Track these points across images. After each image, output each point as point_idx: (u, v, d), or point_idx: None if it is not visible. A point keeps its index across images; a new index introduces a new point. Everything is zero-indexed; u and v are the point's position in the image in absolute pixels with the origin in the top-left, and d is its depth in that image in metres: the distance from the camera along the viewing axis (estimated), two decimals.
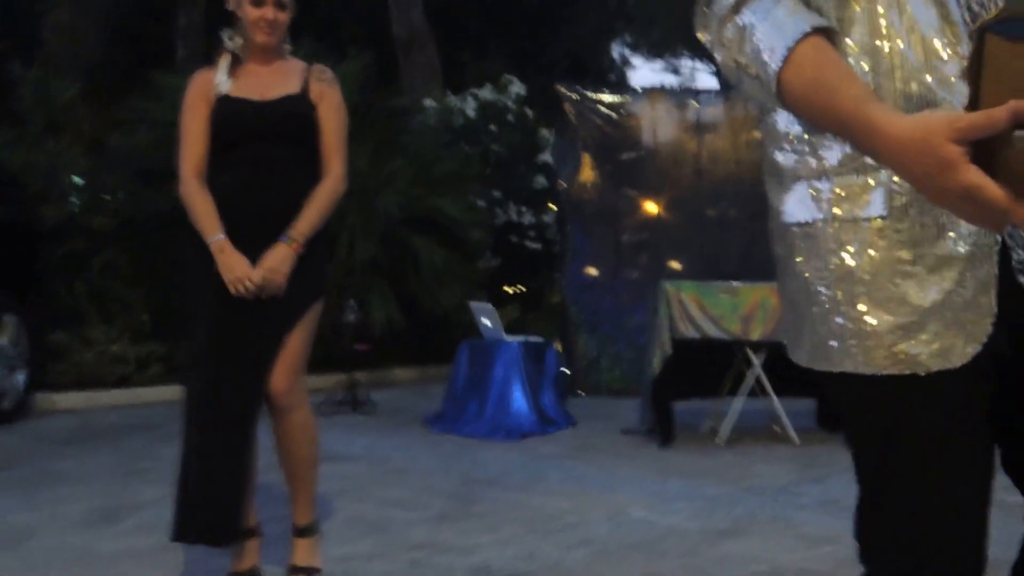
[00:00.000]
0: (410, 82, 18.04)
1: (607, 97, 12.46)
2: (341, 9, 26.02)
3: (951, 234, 1.85)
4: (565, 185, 12.15)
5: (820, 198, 1.92)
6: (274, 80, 4.58)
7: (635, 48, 34.43)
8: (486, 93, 16.23)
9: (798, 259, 1.98)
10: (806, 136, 1.95)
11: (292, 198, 4.47)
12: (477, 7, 27.49)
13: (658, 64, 34.05)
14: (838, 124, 1.74)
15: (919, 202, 1.84)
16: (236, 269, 4.31)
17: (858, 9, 1.89)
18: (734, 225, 12.14)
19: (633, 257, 12.42)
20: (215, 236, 4.34)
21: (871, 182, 1.87)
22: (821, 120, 1.79)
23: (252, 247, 4.36)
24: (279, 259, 4.36)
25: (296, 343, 4.45)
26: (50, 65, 15.08)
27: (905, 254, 1.86)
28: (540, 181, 15.46)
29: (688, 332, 8.41)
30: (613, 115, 12.34)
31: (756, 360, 8.62)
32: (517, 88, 16.35)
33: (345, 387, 10.70)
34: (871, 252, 1.87)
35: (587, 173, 12.09)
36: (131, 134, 12.96)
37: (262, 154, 4.46)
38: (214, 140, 4.48)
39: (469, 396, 9.36)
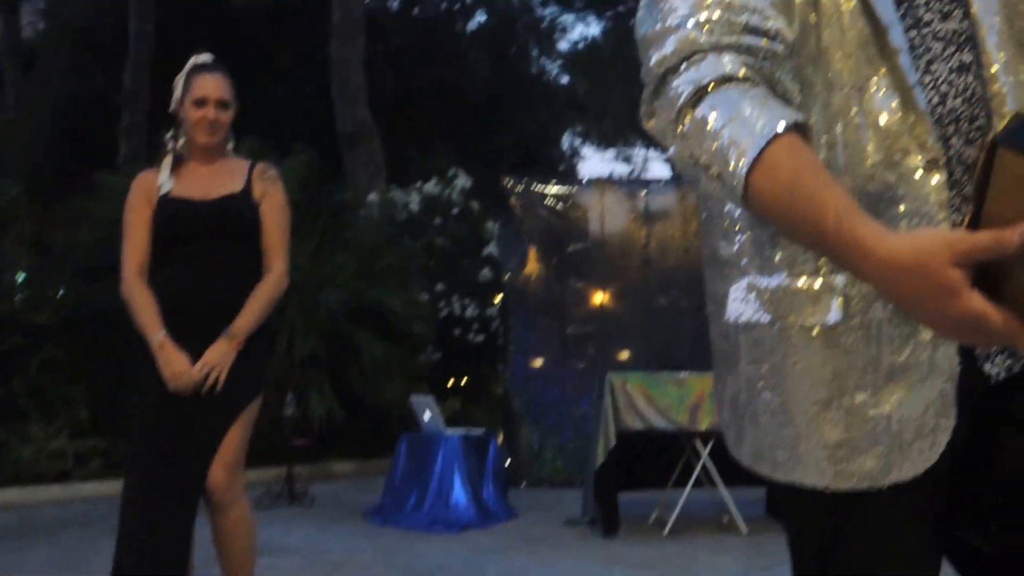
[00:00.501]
0: (354, 177, 18.15)
1: (554, 189, 12.55)
2: (285, 106, 26.20)
3: (909, 344, 1.75)
4: (510, 277, 12.18)
5: (767, 298, 1.83)
6: (216, 179, 4.63)
7: (586, 138, 34.80)
8: (431, 187, 16.36)
9: (742, 360, 1.88)
10: (753, 229, 1.86)
11: (234, 295, 4.52)
12: (424, 101, 27.72)
13: (610, 153, 34.42)
14: (816, 238, 1.57)
15: (875, 310, 1.75)
16: (176, 365, 4.36)
17: (815, 93, 1.79)
18: (685, 314, 12.17)
19: (579, 348, 12.46)
20: (156, 333, 4.39)
21: (825, 287, 1.78)
22: (795, 231, 1.61)
23: (194, 343, 4.42)
24: (219, 355, 4.40)
25: (235, 438, 4.47)
26: None
27: (858, 365, 1.76)
28: (485, 274, 15.54)
29: (634, 423, 8.43)
30: (560, 206, 12.41)
31: (703, 450, 8.65)
32: (463, 181, 16.49)
33: (283, 480, 10.65)
34: (821, 361, 1.77)
35: (532, 265, 12.14)
36: (74, 232, 12.99)
37: (204, 252, 4.51)
38: (157, 239, 4.53)
39: (408, 488, 9.33)
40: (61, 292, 12.88)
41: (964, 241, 1.42)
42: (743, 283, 1.86)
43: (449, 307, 15.19)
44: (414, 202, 16.16)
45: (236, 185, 4.64)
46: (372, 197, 16.25)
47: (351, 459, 13.31)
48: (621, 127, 29.31)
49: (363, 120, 18.85)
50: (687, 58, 1.70)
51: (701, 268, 2.01)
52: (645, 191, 12.77)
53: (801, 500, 1.83)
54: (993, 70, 1.80)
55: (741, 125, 1.59)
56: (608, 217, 12.66)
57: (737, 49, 1.70)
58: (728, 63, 1.68)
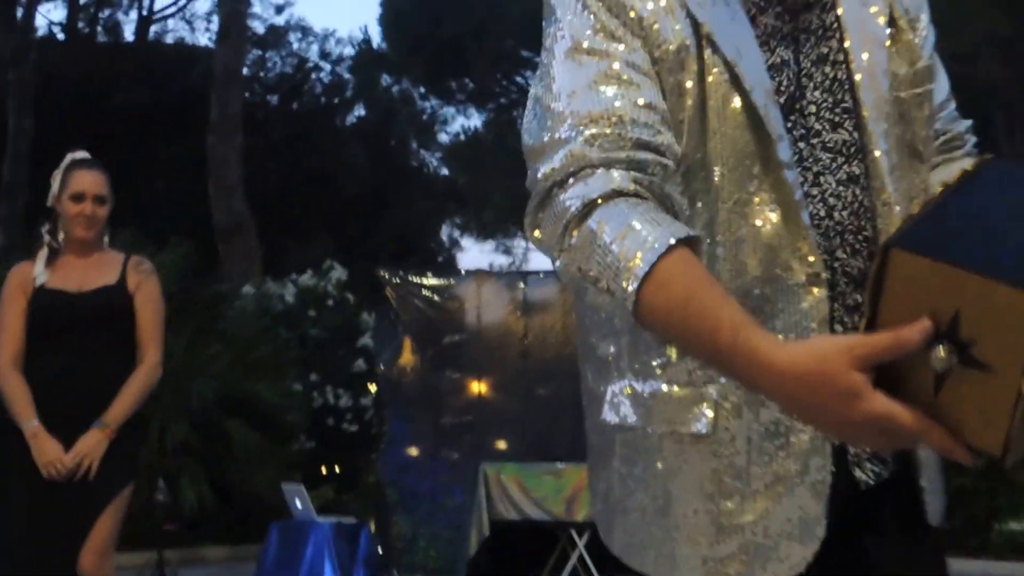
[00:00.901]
0: (230, 269, 18.18)
1: (430, 280, 12.63)
2: (163, 199, 26.16)
3: (780, 455, 1.76)
4: (385, 368, 12.25)
5: (643, 403, 1.83)
6: (92, 271, 4.73)
7: (465, 229, 34.96)
8: (306, 279, 16.45)
9: (615, 458, 1.88)
10: (632, 333, 1.85)
11: (107, 384, 4.62)
12: (302, 194, 27.82)
13: (490, 245, 34.56)
14: (712, 352, 1.55)
15: (747, 421, 1.76)
16: (49, 453, 4.44)
17: (699, 206, 1.79)
18: (564, 405, 12.12)
19: (455, 438, 12.49)
20: (29, 422, 4.47)
21: (698, 396, 1.78)
22: (689, 345, 1.62)
23: (67, 432, 4.50)
24: (91, 444, 4.49)
25: (105, 525, 4.54)
26: None
27: (728, 474, 1.76)
28: (360, 364, 15.63)
29: (508, 514, 8.46)
30: (436, 298, 12.48)
31: (580, 541, 8.72)
32: (338, 273, 16.61)
33: (154, 565, 10.58)
34: (691, 469, 1.78)
35: (408, 356, 12.22)
36: None
37: (78, 342, 4.61)
38: (32, 329, 4.62)
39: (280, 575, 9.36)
40: None
41: (864, 344, 1.42)
42: (620, 384, 1.86)
43: (323, 397, 15.24)
44: (289, 294, 16.25)
45: (111, 277, 4.74)
46: (247, 289, 16.30)
47: (223, 545, 13.24)
48: (501, 218, 29.53)
49: (240, 213, 18.94)
50: (575, 173, 1.69)
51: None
52: (523, 283, 12.86)
53: None
54: (882, 180, 1.82)
55: (631, 240, 1.57)
56: (486, 308, 12.71)
57: (627, 164, 1.68)
58: (617, 178, 1.66)
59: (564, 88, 1.76)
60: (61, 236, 4.78)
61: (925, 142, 1.94)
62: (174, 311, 12.71)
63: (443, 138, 33.58)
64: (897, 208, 1.81)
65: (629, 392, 1.85)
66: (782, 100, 1.82)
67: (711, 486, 1.77)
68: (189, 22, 33.46)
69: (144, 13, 31.94)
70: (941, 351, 1.39)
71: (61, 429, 4.50)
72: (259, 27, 31.36)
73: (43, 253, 4.76)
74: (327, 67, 31.67)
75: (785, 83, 1.83)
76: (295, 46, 31.78)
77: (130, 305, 4.72)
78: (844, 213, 1.81)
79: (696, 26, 1.78)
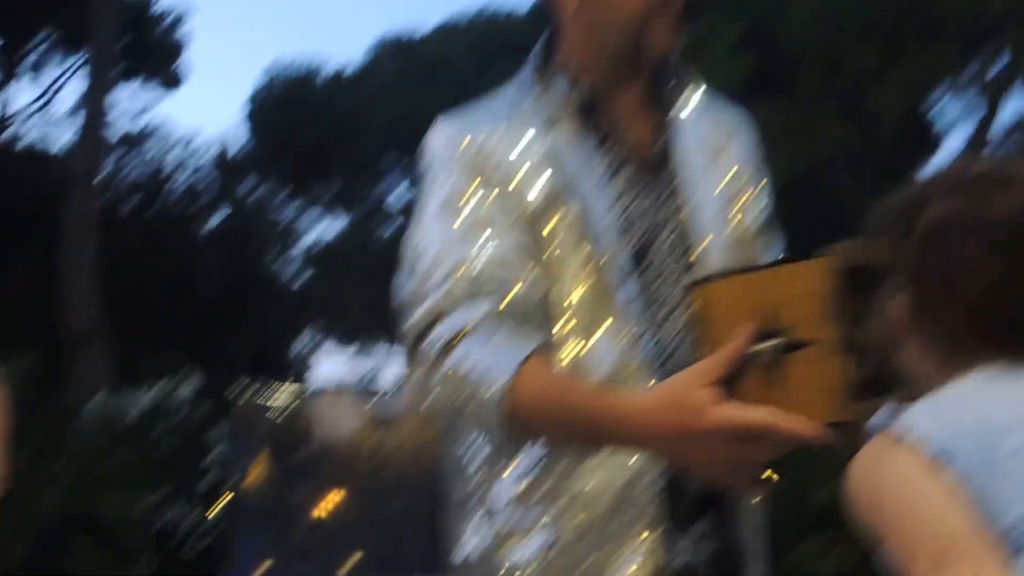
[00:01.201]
0: (80, 379, 17.78)
1: (285, 393, 12.55)
2: (11, 308, 25.61)
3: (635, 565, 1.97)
4: (236, 483, 12.00)
5: (491, 538, 2.07)
6: None
7: (326, 335, 34.79)
8: (157, 390, 16.15)
9: None
10: (484, 477, 2.07)
11: None
12: (157, 302, 27.44)
13: (350, 350, 34.49)
14: (581, 431, 1.82)
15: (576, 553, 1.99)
16: None
17: (555, 335, 2.00)
18: (417, 519, 12.13)
19: (306, 555, 12.31)
20: None
21: (534, 537, 2.00)
22: (560, 427, 1.85)
23: None
24: None
25: None
26: None
27: None
28: (210, 480, 15.33)
29: None
30: (289, 412, 12.39)
31: None
32: (190, 385, 16.32)
33: None
34: None
35: (258, 472, 12.01)
36: None
37: None
38: None
39: None
40: None
41: (703, 365, 1.66)
42: (474, 521, 2.08)
43: (170, 514, 14.89)
44: (139, 406, 15.93)
45: None
46: (97, 400, 15.95)
47: None
48: (362, 324, 29.54)
49: (92, 321, 18.55)
50: (433, 323, 1.94)
51: (433, 473, 2.31)
52: (376, 397, 12.89)
53: None
54: None
55: (490, 361, 1.83)
56: (337, 423, 12.69)
57: (487, 298, 1.94)
58: (474, 314, 1.91)
59: (429, 244, 2.05)
60: None
61: None
62: (18, 423, 12.46)
63: (305, 244, 33.50)
64: None
65: (480, 529, 2.08)
66: (636, 245, 2.08)
67: None
68: (46, 124, 32.93)
69: None
70: (766, 344, 1.60)
71: None
72: (118, 129, 31.05)
73: None
74: (187, 171, 31.43)
75: (640, 230, 2.10)
76: (155, 150, 31.51)
77: None
78: (683, 352, 2.01)
79: (557, 181, 2.06)
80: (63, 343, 18.67)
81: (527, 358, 1.84)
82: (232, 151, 30.79)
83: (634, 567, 1.96)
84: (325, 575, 10.23)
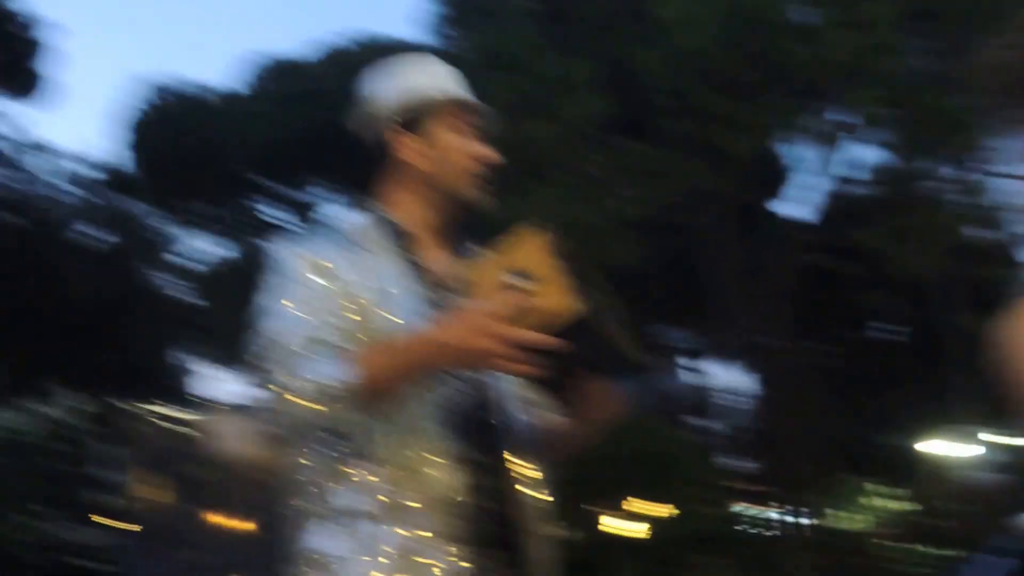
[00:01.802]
0: None
1: (169, 411, 12.56)
2: None
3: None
4: (124, 501, 12.10)
5: (323, 541, 2.61)
6: None
7: (198, 354, 34.52)
8: (33, 406, 16.16)
9: None
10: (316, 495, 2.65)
11: None
12: (26, 316, 27.15)
13: (229, 372, 34.11)
14: (406, 364, 2.53)
15: (404, 554, 2.56)
16: None
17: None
18: None
19: (198, 573, 12.30)
20: None
21: (375, 529, 2.57)
22: (396, 375, 2.52)
23: None
24: None
25: None
26: None
27: None
28: (98, 497, 15.40)
29: None
30: (180, 429, 12.35)
31: None
32: (69, 402, 16.38)
33: None
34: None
35: (143, 488, 12.14)
36: None
37: None
38: None
39: None
40: None
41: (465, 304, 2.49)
42: (311, 529, 2.63)
43: (58, 532, 14.91)
44: (16, 422, 15.97)
45: None
46: None
47: None
48: (235, 344, 29.05)
49: None
50: (277, 371, 2.57)
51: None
52: (258, 416, 12.69)
53: None
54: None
55: (331, 370, 2.51)
56: (230, 440, 12.60)
57: (306, 354, 2.59)
58: (302, 355, 2.58)
59: (272, 317, 2.66)
60: None
61: None
62: None
63: (177, 260, 33.32)
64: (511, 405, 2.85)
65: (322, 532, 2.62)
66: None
67: None
68: None
69: None
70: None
71: None
72: None
73: None
74: (56, 183, 31.16)
75: (427, 316, 2.75)
76: (27, 162, 31.23)
77: None
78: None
79: (377, 283, 2.74)
80: None
81: (355, 352, 2.57)
82: (108, 168, 30.70)
83: (448, 572, 2.57)
84: None
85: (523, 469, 2.77)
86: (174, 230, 31.65)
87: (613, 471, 14.31)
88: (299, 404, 2.49)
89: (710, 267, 21.04)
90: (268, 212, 27.97)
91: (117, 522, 12.19)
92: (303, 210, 28.19)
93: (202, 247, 33.42)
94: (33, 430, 15.67)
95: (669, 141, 17.99)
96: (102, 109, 76.22)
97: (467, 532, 2.61)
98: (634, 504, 14.77)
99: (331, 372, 2.49)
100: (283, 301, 2.68)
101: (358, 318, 2.67)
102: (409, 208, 2.88)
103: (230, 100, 27.02)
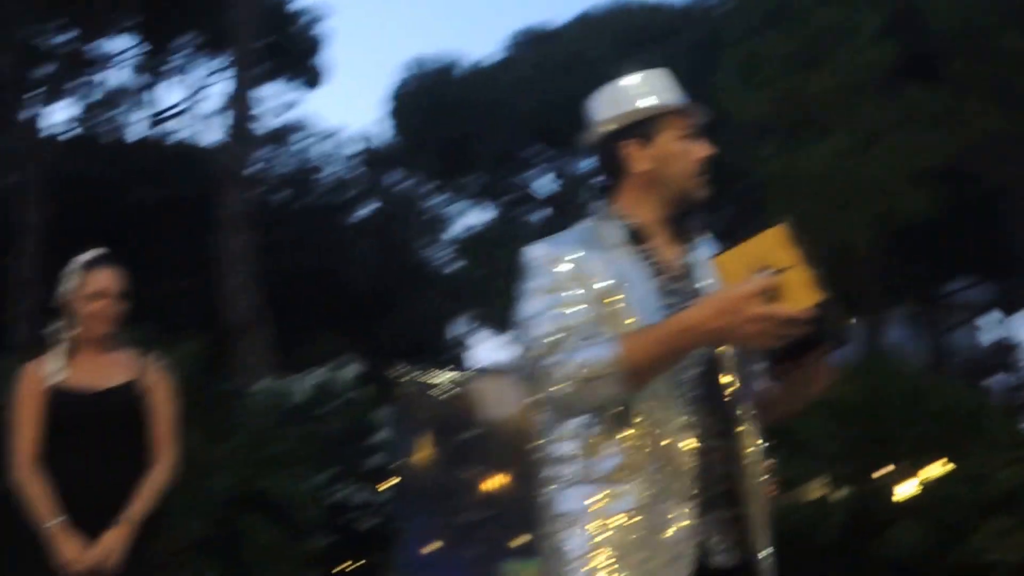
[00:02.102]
0: (243, 365, 18.19)
1: (444, 377, 12.67)
2: (176, 296, 26.22)
3: (676, 527, 3.00)
4: (402, 464, 12.16)
5: (582, 502, 3.04)
6: (107, 370, 4.73)
7: (475, 324, 35.05)
8: (320, 375, 16.49)
9: (562, 539, 3.07)
10: (578, 460, 3.08)
11: (124, 483, 4.61)
12: (313, 291, 27.91)
13: (499, 339, 34.67)
14: (664, 341, 2.89)
15: (651, 509, 3.00)
16: (72, 552, 4.46)
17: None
18: None
19: (472, 534, 12.44)
20: (51, 520, 4.48)
21: (626, 489, 3.02)
22: (653, 354, 2.89)
23: (86, 530, 4.51)
24: (113, 541, 4.52)
25: None
26: None
27: (636, 544, 2.99)
28: (376, 460, 15.61)
29: None
30: (451, 394, 12.51)
31: None
32: (352, 369, 16.64)
33: None
34: (619, 540, 3.00)
35: (424, 452, 12.20)
36: None
37: (95, 441, 4.61)
38: (48, 428, 4.61)
39: None
40: None
41: (723, 288, 2.87)
42: (568, 475, 3.09)
43: (340, 493, 15.17)
44: (303, 389, 16.27)
45: (126, 376, 4.75)
46: (261, 385, 16.31)
47: None
48: (510, 312, 29.50)
49: (252, 309, 18.97)
50: (551, 352, 2.98)
51: None
52: None
53: None
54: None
55: (596, 352, 2.92)
56: (500, 403, 12.80)
57: (571, 342, 2.99)
58: (567, 343, 2.99)
59: (535, 312, 3.10)
60: (74, 333, 4.74)
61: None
62: (188, 407, 12.81)
63: (450, 234, 33.78)
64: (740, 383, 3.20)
65: (580, 493, 3.06)
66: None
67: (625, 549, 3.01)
68: (198, 121, 33.68)
69: (153, 113, 32.33)
70: (762, 274, 2.79)
71: (80, 527, 4.50)
72: (267, 125, 31.68)
73: (57, 351, 4.74)
74: (336, 164, 31.93)
75: (668, 308, 3.13)
76: (303, 144, 32.07)
77: (144, 404, 4.73)
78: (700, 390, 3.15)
79: (618, 278, 3.15)
80: (225, 331, 19.12)
81: (619, 339, 2.94)
82: (376, 145, 31.18)
83: (682, 526, 2.99)
84: (490, 556, 10.32)
85: (749, 435, 3.17)
86: (445, 202, 32.01)
87: (911, 432, 13.80)
88: (568, 385, 2.93)
89: (1011, 217, 19.80)
90: (532, 180, 27.79)
91: (399, 482, 12.08)
92: (567, 177, 27.96)
93: (472, 218, 33.74)
94: (317, 398, 15.80)
95: (961, 85, 16.96)
96: (368, 86, 78.35)
97: (699, 492, 3.04)
98: (930, 466, 14.08)
99: (596, 355, 2.91)
100: (542, 295, 3.12)
101: (605, 308, 3.09)
102: (641, 208, 3.30)
103: (494, 69, 26.91)
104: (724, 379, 3.16)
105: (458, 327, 34.22)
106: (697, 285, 3.21)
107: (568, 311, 3.06)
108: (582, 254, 3.19)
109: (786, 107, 16.92)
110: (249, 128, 21.09)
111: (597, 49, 24.52)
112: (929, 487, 13.89)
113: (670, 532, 3.00)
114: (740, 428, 3.16)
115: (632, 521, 3.01)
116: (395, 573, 11.93)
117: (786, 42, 16.70)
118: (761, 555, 3.14)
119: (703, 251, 3.28)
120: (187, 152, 30.28)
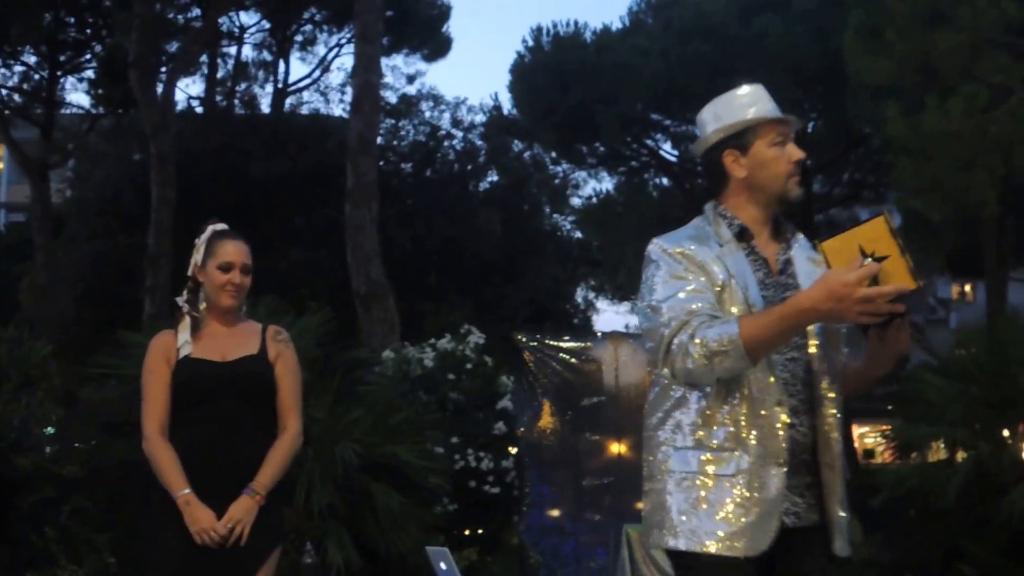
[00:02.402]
0: (369, 334, 18.38)
1: (567, 343, 12.70)
2: (302, 266, 26.60)
3: (770, 489, 3.52)
4: (525, 431, 12.22)
5: (700, 458, 3.58)
6: (234, 341, 4.83)
7: (599, 292, 35.02)
8: (444, 343, 16.62)
9: (669, 487, 3.62)
10: (693, 421, 3.63)
11: (252, 453, 4.71)
12: (438, 260, 28.10)
13: (624, 306, 34.59)
14: (779, 318, 3.37)
15: (751, 473, 3.54)
16: (203, 521, 4.54)
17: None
18: None
19: (595, 500, 12.50)
20: (181, 491, 4.57)
21: (728, 457, 3.55)
22: (771, 330, 3.38)
23: (215, 500, 4.60)
24: (244, 511, 4.59)
25: None
26: (25, 324, 15.45)
27: (735, 500, 3.52)
28: (499, 427, 15.70)
29: None
30: (573, 361, 12.54)
31: None
32: (476, 337, 16.74)
33: None
34: (719, 496, 3.55)
35: (547, 419, 12.25)
36: (100, 388, 13.28)
37: (224, 412, 4.70)
38: (177, 399, 4.71)
39: None
40: (88, 445, 13.13)
41: (833, 271, 3.33)
42: (680, 442, 3.64)
43: (464, 460, 15.30)
44: (428, 358, 16.41)
45: (252, 347, 4.84)
46: (387, 354, 16.48)
47: None
48: (635, 279, 29.40)
49: (377, 280, 19.14)
50: (677, 332, 3.49)
51: None
52: None
53: (701, 558, 3.52)
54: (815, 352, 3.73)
55: (721, 329, 3.42)
56: (623, 369, 12.78)
57: (702, 319, 3.51)
58: (696, 325, 3.49)
59: (663, 297, 3.61)
60: (203, 305, 4.86)
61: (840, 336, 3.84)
62: (315, 376, 13.02)
63: (575, 202, 33.77)
64: (819, 367, 3.72)
65: (693, 453, 3.62)
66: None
67: (732, 503, 3.56)
68: (323, 93, 34.11)
69: (279, 86, 32.80)
70: (867, 260, 3.23)
71: (209, 496, 4.60)
72: (391, 97, 31.97)
73: (186, 322, 4.84)
74: (459, 135, 32.10)
75: (771, 300, 3.67)
76: (427, 115, 32.29)
77: (272, 374, 4.81)
78: (787, 375, 3.69)
79: (727, 273, 3.64)
80: (352, 301, 19.34)
81: (739, 318, 3.46)
82: (501, 114, 31.21)
83: (776, 488, 3.53)
84: (614, 521, 10.36)
85: (830, 409, 3.67)
86: (569, 171, 31.96)
87: None
88: (700, 358, 3.42)
89: None
90: (658, 147, 27.60)
91: (522, 449, 12.15)
92: (687, 143, 27.76)
93: (596, 186, 33.64)
94: (442, 366, 15.93)
95: None
96: (491, 56, 78.26)
97: (787, 459, 3.56)
98: None
99: (725, 331, 3.40)
100: (669, 280, 3.62)
101: (720, 296, 3.59)
102: (744, 209, 3.79)
103: (616, 37, 26.71)
104: (810, 360, 3.70)
105: (580, 294, 34.27)
106: (793, 280, 3.78)
107: (693, 295, 3.55)
108: (697, 247, 3.68)
109: (910, 67, 16.60)
110: (375, 99, 21.22)
111: (721, 13, 24.29)
112: None
113: (765, 494, 3.51)
114: (823, 403, 3.67)
115: (734, 483, 3.52)
116: (520, 538, 11.99)
117: (911, 1, 16.37)
118: (837, 517, 3.67)
119: (799, 250, 3.85)
120: (315, 124, 30.64)
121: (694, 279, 3.60)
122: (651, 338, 3.58)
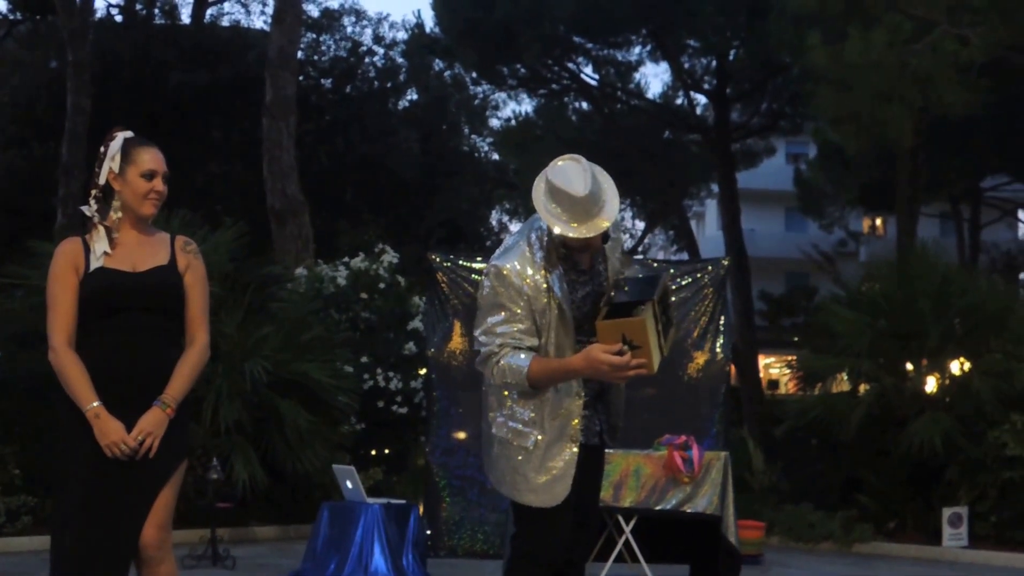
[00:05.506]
0: (283, 251, 18.32)
1: (480, 264, 12.67)
2: (217, 181, 26.37)
3: (558, 456, 4.66)
4: (435, 352, 12.22)
5: (508, 429, 4.69)
6: (144, 251, 4.74)
7: (514, 215, 35.10)
8: (358, 262, 16.60)
9: (495, 448, 4.75)
10: (503, 398, 4.71)
11: (162, 365, 4.65)
12: (354, 178, 27.96)
13: None
14: (554, 372, 4.52)
15: (550, 443, 4.65)
16: (112, 434, 4.49)
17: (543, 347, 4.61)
18: (610, 391, 12.19)
19: None
20: (90, 403, 4.50)
21: (528, 433, 4.64)
22: (546, 376, 4.52)
23: (124, 412, 4.56)
24: (154, 423, 4.55)
25: (165, 499, 4.63)
26: None
27: (537, 461, 4.66)
28: (410, 347, 15.75)
29: None
30: (478, 280, 12.47)
31: (626, 527, 8.79)
32: (390, 257, 16.76)
33: (207, 542, 10.70)
34: (524, 459, 4.68)
35: (457, 340, 12.20)
36: (8, 299, 13.13)
37: (134, 323, 4.63)
38: (86, 309, 4.63)
39: (329, 555, 9.39)
40: None
41: (595, 346, 4.46)
42: (499, 417, 4.73)
43: (373, 379, 15.36)
44: (341, 276, 16.40)
45: (162, 258, 4.77)
46: (300, 271, 16.45)
47: (273, 524, 13.34)
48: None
49: (293, 196, 19.04)
50: (494, 352, 4.57)
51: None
52: None
53: (521, 508, 4.71)
54: None
55: (518, 362, 4.51)
56: None
57: (515, 342, 4.56)
58: (506, 351, 4.55)
59: (486, 323, 4.61)
60: (117, 215, 4.80)
61: None
62: (227, 291, 12.94)
63: (494, 123, 33.70)
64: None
65: (504, 423, 4.71)
66: (586, 311, 4.70)
67: (536, 465, 4.70)
68: (244, 5, 33.82)
69: None
70: (623, 347, 4.42)
71: (118, 408, 4.55)
72: (313, 11, 31.57)
73: (101, 232, 4.74)
74: (380, 51, 31.84)
75: (588, 305, 4.71)
76: (349, 30, 31.98)
77: (181, 285, 4.76)
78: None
79: (550, 291, 4.59)
80: (266, 217, 19.24)
81: (532, 360, 4.50)
82: (421, 32, 30.97)
83: (575, 420, 4.70)
84: None
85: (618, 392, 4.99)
86: (489, 91, 31.85)
87: (938, 328, 13.93)
88: (497, 377, 4.58)
89: None
90: (579, 70, 27.53)
91: (429, 371, 12.17)
92: (618, 68, 27.73)
93: (516, 107, 33.56)
94: (355, 285, 15.90)
95: None
96: None
97: (580, 432, 4.74)
98: (957, 360, 14.14)
99: (517, 366, 4.50)
100: (493, 309, 4.60)
101: (537, 319, 4.59)
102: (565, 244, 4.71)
103: None
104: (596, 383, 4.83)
105: (495, 216, 34.28)
106: (600, 277, 4.80)
107: (507, 327, 4.55)
108: (526, 267, 4.60)
109: None
110: (297, 12, 21.00)
111: None
112: (953, 382, 13.99)
113: (558, 462, 4.66)
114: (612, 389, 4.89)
115: (533, 449, 4.65)
116: (426, 459, 12.05)
117: None
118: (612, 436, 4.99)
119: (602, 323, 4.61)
120: (236, 36, 30.20)
121: (514, 304, 4.59)
122: (478, 353, 4.67)
